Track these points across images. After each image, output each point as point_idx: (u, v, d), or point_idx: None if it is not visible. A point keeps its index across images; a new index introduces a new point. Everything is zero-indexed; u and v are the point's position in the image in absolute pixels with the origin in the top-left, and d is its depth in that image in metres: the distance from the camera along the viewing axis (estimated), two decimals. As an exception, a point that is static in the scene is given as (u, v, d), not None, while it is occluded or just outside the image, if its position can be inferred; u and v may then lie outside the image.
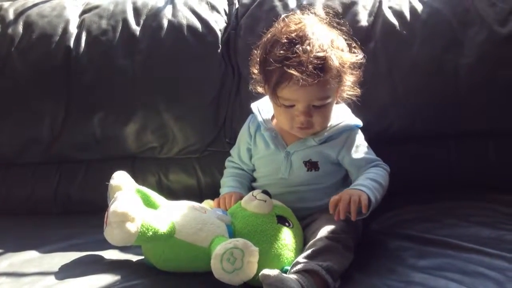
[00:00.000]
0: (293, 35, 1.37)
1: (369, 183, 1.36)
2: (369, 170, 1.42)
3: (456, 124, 1.68)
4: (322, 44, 1.35)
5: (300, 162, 1.46)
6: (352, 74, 1.43)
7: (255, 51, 1.48)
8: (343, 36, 1.45)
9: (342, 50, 1.40)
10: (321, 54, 1.34)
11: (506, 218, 1.45)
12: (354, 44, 1.45)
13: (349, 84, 1.45)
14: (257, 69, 1.47)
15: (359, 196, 1.30)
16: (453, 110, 1.66)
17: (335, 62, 1.36)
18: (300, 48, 1.33)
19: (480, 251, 1.29)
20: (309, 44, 1.34)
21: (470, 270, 1.22)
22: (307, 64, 1.31)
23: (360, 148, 1.47)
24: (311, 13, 1.50)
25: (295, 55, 1.33)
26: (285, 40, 1.36)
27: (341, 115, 1.49)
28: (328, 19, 1.47)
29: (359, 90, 1.47)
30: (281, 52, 1.35)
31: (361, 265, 1.30)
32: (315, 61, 1.32)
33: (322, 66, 1.33)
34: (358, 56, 1.44)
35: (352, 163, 1.45)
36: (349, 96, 1.48)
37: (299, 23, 1.41)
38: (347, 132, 1.47)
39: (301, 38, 1.35)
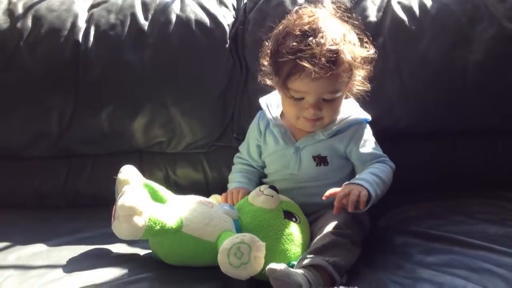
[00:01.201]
0: (306, 27, 1.36)
1: (371, 177, 1.36)
2: (373, 165, 1.42)
3: (464, 120, 1.67)
4: (335, 38, 1.35)
5: (309, 157, 1.46)
6: (363, 68, 1.43)
7: (266, 43, 1.47)
8: (355, 30, 1.45)
9: (354, 45, 1.40)
10: (333, 48, 1.34)
11: (514, 216, 1.45)
12: (365, 39, 1.45)
13: (360, 79, 1.44)
14: (267, 61, 1.46)
15: (360, 191, 1.30)
16: (461, 106, 1.66)
17: (347, 56, 1.35)
18: (314, 41, 1.33)
19: (487, 248, 1.28)
20: (322, 37, 1.34)
21: (477, 267, 1.22)
22: (320, 56, 1.31)
23: (368, 142, 1.47)
24: (323, 7, 1.49)
25: (308, 48, 1.32)
26: (298, 32, 1.36)
27: (350, 109, 1.49)
28: (340, 13, 1.46)
29: (369, 85, 1.47)
30: (294, 44, 1.35)
31: (368, 261, 1.31)
32: (328, 54, 1.32)
33: (334, 59, 1.33)
34: (369, 51, 1.44)
35: (359, 157, 1.45)
36: (358, 91, 1.48)
37: (312, 15, 1.40)
38: (356, 126, 1.47)
39: (314, 31, 1.35)
